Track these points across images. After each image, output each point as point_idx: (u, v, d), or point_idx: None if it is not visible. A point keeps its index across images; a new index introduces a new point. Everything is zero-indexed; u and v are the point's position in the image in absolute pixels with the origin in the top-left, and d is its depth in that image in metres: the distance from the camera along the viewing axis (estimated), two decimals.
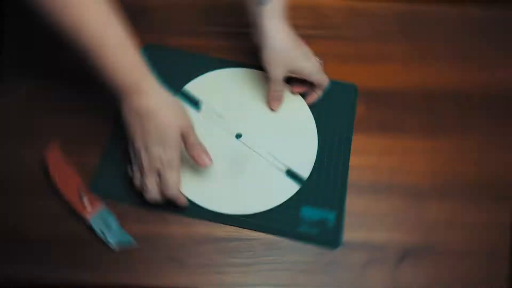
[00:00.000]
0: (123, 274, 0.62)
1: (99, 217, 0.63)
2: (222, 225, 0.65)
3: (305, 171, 0.69)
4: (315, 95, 0.74)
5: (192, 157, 0.63)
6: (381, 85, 0.76)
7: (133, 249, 0.63)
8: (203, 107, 0.73)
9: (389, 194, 0.68)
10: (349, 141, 0.71)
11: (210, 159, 0.63)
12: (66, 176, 0.66)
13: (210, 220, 0.65)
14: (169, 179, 0.61)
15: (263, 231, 0.65)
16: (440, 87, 0.76)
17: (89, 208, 0.63)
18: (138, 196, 0.64)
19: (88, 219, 0.63)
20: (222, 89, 0.75)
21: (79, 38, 0.56)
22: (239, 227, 0.65)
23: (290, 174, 0.68)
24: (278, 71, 0.69)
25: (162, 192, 0.62)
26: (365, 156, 0.70)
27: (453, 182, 0.69)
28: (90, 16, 0.56)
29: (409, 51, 0.79)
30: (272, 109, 0.73)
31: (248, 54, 0.76)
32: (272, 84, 0.71)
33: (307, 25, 0.81)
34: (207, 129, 0.70)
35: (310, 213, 0.66)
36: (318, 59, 0.72)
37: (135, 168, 0.62)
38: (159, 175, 0.61)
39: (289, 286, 0.62)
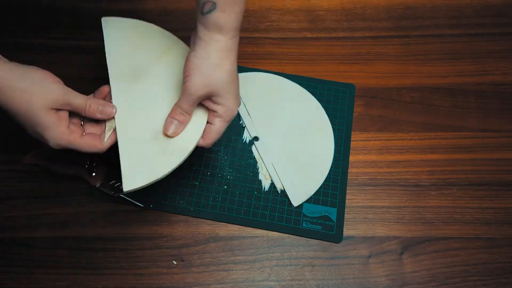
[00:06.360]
0: (128, 274, 0.63)
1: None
2: (225, 224, 0.66)
3: (296, 200, 0.67)
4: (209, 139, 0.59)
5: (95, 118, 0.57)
6: (378, 84, 0.77)
7: (138, 249, 0.64)
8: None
9: (388, 190, 0.69)
10: (348, 139, 0.72)
11: (112, 106, 0.58)
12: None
13: (213, 220, 0.66)
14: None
15: (266, 229, 0.66)
16: (436, 84, 0.77)
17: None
18: (140, 198, 0.65)
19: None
20: (260, 90, 0.75)
21: None
22: (242, 225, 0.66)
23: (284, 195, 0.68)
24: (195, 84, 0.55)
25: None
26: (364, 154, 0.72)
27: (451, 178, 0.70)
28: None
29: (405, 50, 0.81)
30: (165, 134, 0.58)
31: (247, 58, 0.79)
32: (182, 100, 0.57)
33: (304, 28, 0.82)
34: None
35: (312, 209, 0.67)
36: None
37: None
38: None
39: (292, 281, 0.63)
